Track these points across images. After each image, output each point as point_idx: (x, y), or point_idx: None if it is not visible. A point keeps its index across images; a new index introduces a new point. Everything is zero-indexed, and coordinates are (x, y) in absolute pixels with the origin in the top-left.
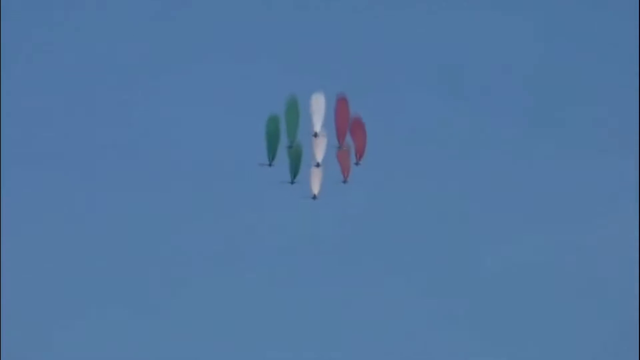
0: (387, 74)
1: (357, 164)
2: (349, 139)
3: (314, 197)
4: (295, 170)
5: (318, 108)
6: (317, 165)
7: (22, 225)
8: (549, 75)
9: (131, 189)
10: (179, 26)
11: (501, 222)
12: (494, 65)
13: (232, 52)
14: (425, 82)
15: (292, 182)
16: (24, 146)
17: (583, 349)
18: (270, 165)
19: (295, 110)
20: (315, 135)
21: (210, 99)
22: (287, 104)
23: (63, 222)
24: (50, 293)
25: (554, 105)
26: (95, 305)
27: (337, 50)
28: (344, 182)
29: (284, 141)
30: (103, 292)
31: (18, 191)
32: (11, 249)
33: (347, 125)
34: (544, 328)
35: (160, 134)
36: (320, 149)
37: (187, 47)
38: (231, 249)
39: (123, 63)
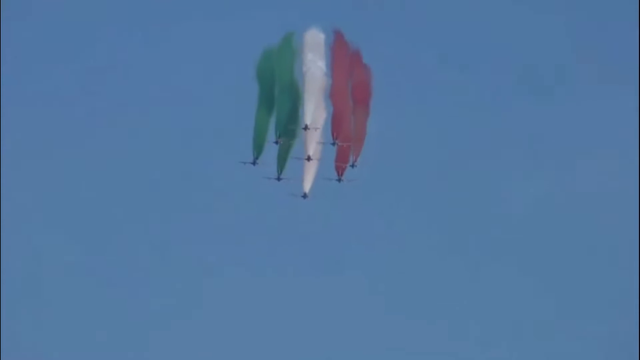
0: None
1: (353, 165)
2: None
3: (305, 195)
4: (282, 165)
5: (315, 44)
6: (308, 158)
7: (18, 221)
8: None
9: (121, 185)
10: None
11: (505, 165)
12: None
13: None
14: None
15: (278, 179)
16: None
17: (584, 278)
18: (254, 163)
19: (289, 46)
20: (306, 128)
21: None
22: (282, 40)
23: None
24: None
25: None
26: (90, 297)
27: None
28: (339, 180)
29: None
30: (95, 284)
31: (12, 172)
32: (8, 243)
33: (345, 60)
34: (548, 261)
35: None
36: (311, 142)
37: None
38: (219, 244)
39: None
